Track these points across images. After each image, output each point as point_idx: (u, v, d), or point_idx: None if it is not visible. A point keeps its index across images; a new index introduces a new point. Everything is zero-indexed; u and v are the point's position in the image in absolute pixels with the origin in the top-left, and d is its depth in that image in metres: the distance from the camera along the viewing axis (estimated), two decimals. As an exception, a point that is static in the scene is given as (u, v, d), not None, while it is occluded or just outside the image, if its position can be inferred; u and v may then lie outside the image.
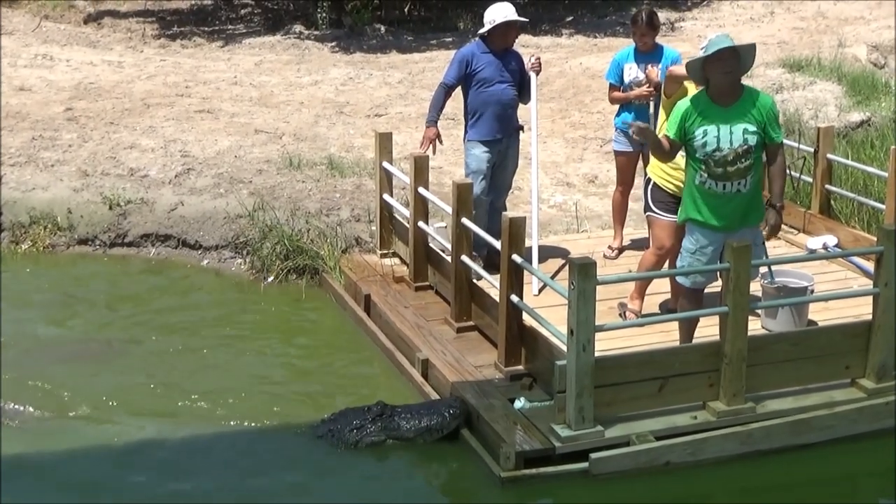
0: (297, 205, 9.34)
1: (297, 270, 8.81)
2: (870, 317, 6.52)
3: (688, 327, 6.70)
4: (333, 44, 15.75)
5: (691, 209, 6.44)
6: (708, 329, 6.76)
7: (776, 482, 6.16)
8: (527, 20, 8.14)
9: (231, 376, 7.31)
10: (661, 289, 7.53)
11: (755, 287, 6.97)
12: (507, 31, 7.96)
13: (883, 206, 8.45)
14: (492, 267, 7.37)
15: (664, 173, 7.10)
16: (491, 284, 7.13)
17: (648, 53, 8.15)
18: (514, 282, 6.73)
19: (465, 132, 8.14)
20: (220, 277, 9.03)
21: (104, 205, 9.62)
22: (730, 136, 6.24)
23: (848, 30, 15.13)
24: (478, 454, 6.22)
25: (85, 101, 12.13)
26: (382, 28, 16.54)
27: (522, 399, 6.47)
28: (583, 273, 5.82)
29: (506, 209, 8.23)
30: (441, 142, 8.23)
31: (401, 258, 8.56)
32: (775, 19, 16.64)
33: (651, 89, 7.99)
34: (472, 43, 8.25)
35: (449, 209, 7.50)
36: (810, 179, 9.13)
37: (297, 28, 16.52)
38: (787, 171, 9.27)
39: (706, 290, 6.79)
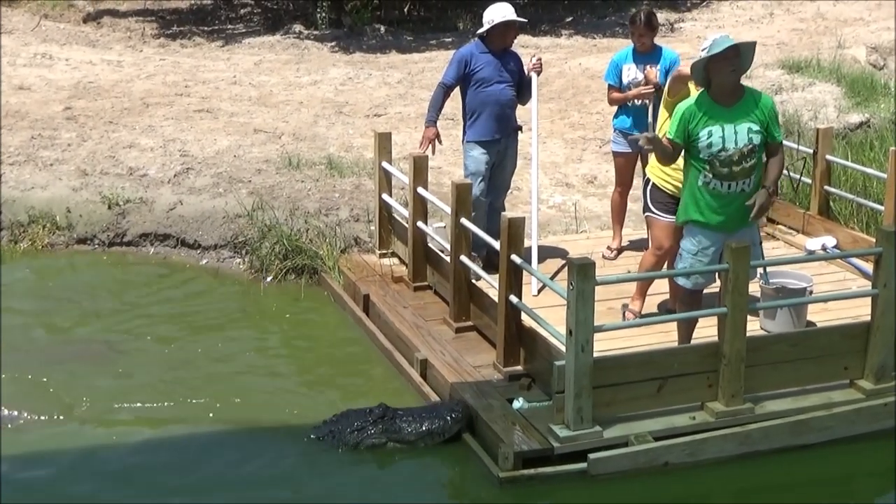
0: (296, 204, 9.34)
1: (295, 270, 8.81)
2: (868, 318, 6.53)
3: (687, 328, 6.71)
4: (333, 44, 15.75)
5: (693, 210, 6.44)
6: (707, 330, 6.77)
7: (775, 483, 6.17)
8: (525, 20, 8.13)
9: (229, 376, 7.31)
10: (660, 289, 7.53)
11: (754, 288, 6.97)
12: (505, 31, 7.95)
13: (882, 208, 8.45)
14: (491, 267, 7.37)
15: (663, 174, 7.10)
16: (490, 285, 7.13)
17: (647, 54, 8.15)
18: (513, 282, 6.73)
19: (464, 133, 8.14)
20: (219, 277, 9.03)
21: (103, 204, 9.62)
22: (734, 135, 6.26)
23: (847, 31, 15.13)
24: (476, 454, 6.22)
25: (84, 101, 12.13)
26: (382, 28, 16.54)
27: (521, 399, 6.47)
28: (582, 273, 5.82)
29: (504, 209, 8.23)
30: (440, 142, 8.23)
31: (400, 258, 8.56)
32: (775, 20, 16.65)
33: (651, 88, 7.98)
34: (471, 43, 8.26)
35: (448, 209, 7.50)
36: (809, 181, 9.13)
37: (297, 28, 16.52)
38: (787, 172, 9.31)
39: (706, 291, 6.79)
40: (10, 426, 6.50)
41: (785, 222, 9.15)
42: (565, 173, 10.42)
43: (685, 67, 7.33)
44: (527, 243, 7.30)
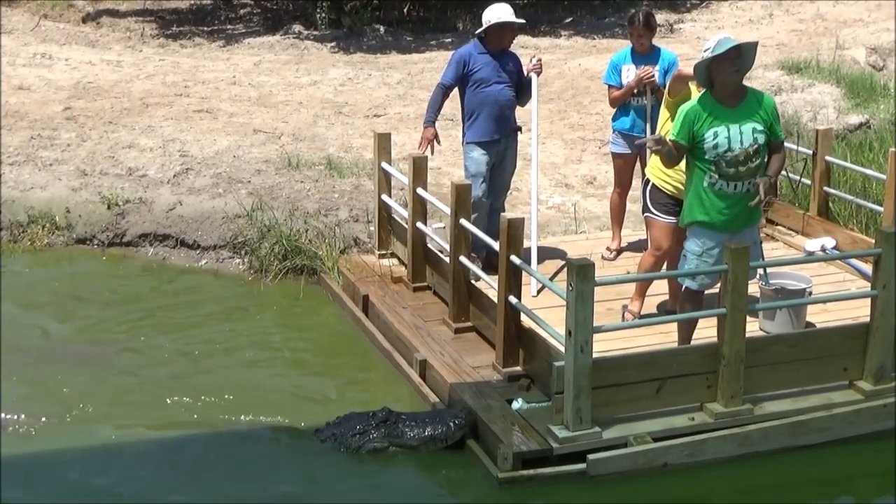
0: (295, 205, 9.34)
1: (295, 271, 8.81)
2: (868, 319, 6.53)
3: (687, 328, 6.71)
4: (332, 44, 15.74)
5: (698, 211, 6.43)
6: (707, 331, 6.77)
7: (774, 483, 6.17)
8: (523, 21, 8.11)
9: (228, 377, 7.30)
10: (659, 290, 7.53)
11: (753, 289, 6.97)
12: (502, 32, 7.95)
13: (881, 209, 8.45)
14: (491, 268, 7.37)
15: (663, 174, 7.10)
16: (489, 285, 7.14)
17: (646, 55, 8.15)
18: (513, 283, 6.73)
19: (463, 134, 8.14)
20: (218, 277, 9.03)
21: (102, 204, 9.62)
22: (740, 135, 6.27)
23: (847, 32, 15.13)
24: (475, 455, 6.22)
25: (84, 101, 12.13)
26: (381, 28, 16.54)
27: (520, 400, 6.47)
28: (581, 274, 5.82)
29: (504, 210, 8.23)
30: (439, 142, 8.23)
31: (399, 259, 8.56)
32: (774, 21, 16.65)
33: (653, 72, 7.95)
34: (470, 44, 8.25)
35: (447, 210, 7.50)
36: (809, 182, 9.13)
37: (297, 28, 16.52)
38: (786, 173, 9.32)
39: (706, 292, 6.80)
40: (10, 429, 6.48)
41: (784, 223, 9.15)
42: (565, 174, 10.42)
43: (685, 67, 7.35)
44: (526, 244, 7.29)
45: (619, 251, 8.56)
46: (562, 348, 6.09)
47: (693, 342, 6.65)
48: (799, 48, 14.38)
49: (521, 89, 8.12)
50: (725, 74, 6.27)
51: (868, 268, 7.28)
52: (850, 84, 12.34)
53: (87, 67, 13.84)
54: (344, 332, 8.03)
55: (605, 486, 5.97)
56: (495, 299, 6.91)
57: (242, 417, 6.70)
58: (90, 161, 10.28)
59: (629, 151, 8.34)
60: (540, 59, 8.13)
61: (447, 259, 7.58)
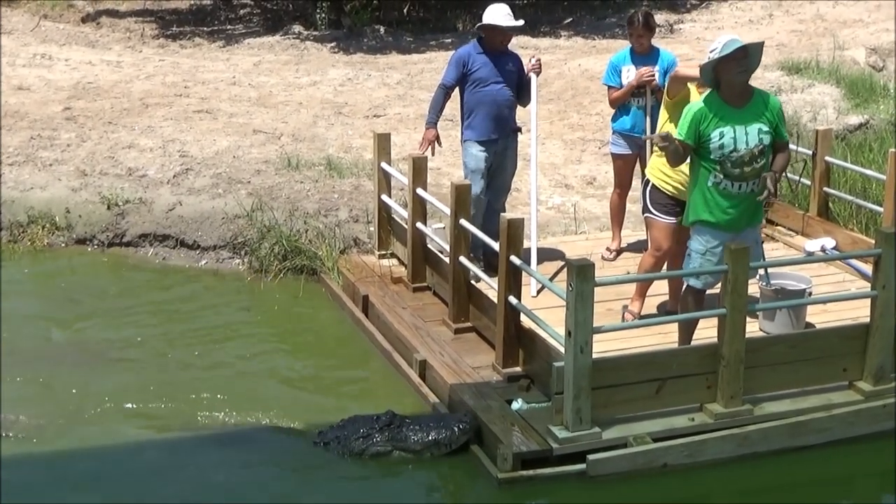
0: (295, 205, 9.34)
1: (295, 271, 8.81)
2: (868, 319, 6.53)
3: (688, 328, 6.72)
4: (332, 44, 15.74)
5: (702, 210, 6.44)
6: (706, 331, 6.77)
7: (773, 484, 6.17)
8: (516, 25, 8.00)
9: (228, 378, 7.31)
10: (659, 290, 7.53)
11: (753, 289, 6.97)
12: (494, 33, 7.96)
13: (881, 209, 8.45)
14: (491, 269, 7.38)
15: (663, 175, 7.10)
16: (489, 286, 7.14)
17: (645, 55, 8.15)
18: (513, 283, 6.73)
19: (462, 133, 8.14)
20: (218, 278, 9.03)
21: (102, 204, 9.62)
22: (745, 136, 6.28)
23: (846, 32, 15.13)
24: (475, 455, 6.22)
25: (83, 101, 12.13)
26: (381, 29, 16.54)
27: (520, 400, 6.47)
28: (581, 275, 5.82)
29: (504, 210, 8.23)
30: (440, 143, 8.23)
31: (399, 259, 8.56)
32: (774, 21, 16.65)
33: (653, 72, 7.96)
34: (470, 43, 8.25)
35: (447, 210, 7.50)
36: (808, 182, 9.13)
37: (297, 28, 16.52)
38: (786, 174, 9.31)
39: (707, 292, 6.80)
40: (10, 434, 6.45)
41: (784, 224, 9.15)
42: (564, 174, 10.42)
43: (682, 68, 7.36)
44: (526, 244, 7.29)
45: (619, 252, 8.56)
46: (561, 349, 6.09)
47: (693, 342, 6.65)
48: (799, 49, 14.38)
49: (522, 90, 8.12)
50: (731, 75, 6.28)
51: (868, 268, 7.28)
52: (850, 84, 12.34)
53: (86, 68, 13.84)
54: (343, 333, 8.03)
55: (605, 486, 5.97)
56: (495, 300, 6.90)
57: (242, 418, 6.69)
58: (90, 161, 10.28)
59: (629, 152, 8.33)
60: (539, 60, 8.13)
61: (447, 259, 7.57)
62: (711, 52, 6.38)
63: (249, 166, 10.13)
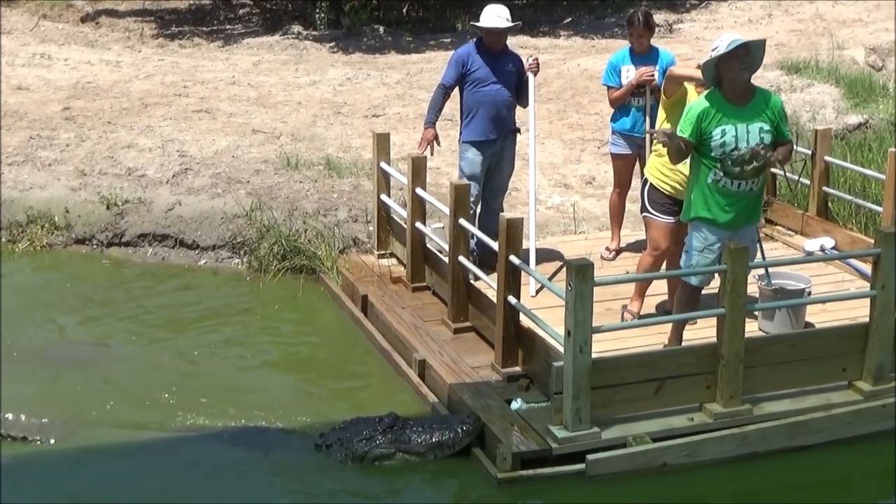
0: (294, 205, 9.34)
1: (294, 270, 8.81)
2: (867, 319, 6.53)
3: (679, 326, 6.76)
4: (332, 44, 15.74)
5: (700, 207, 6.45)
6: (705, 331, 6.77)
7: (772, 484, 6.16)
8: (498, 27, 7.93)
9: (227, 378, 7.31)
10: (659, 290, 7.52)
11: (752, 289, 6.97)
12: (489, 35, 7.97)
13: (880, 209, 8.45)
14: (483, 266, 7.38)
15: (661, 174, 7.11)
16: (488, 285, 7.13)
17: (644, 55, 8.15)
18: (512, 283, 6.72)
19: (461, 133, 8.14)
20: (218, 277, 9.03)
21: (102, 204, 9.62)
22: (747, 134, 6.29)
23: (846, 32, 15.13)
24: (474, 455, 6.21)
25: (83, 101, 12.13)
26: (381, 28, 16.53)
27: (519, 400, 6.47)
28: (580, 274, 5.82)
29: (503, 210, 8.23)
30: (439, 143, 8.24)
31: (398, 259, 8.56)
32: (773, 21, 16.64)
33: (652, 71, 7.95)
34: (469, 43, 8.26)
35: (446, 210, 7.50)
36: (808, 182, 9.12)
37: (296, 28, 16.51)
38: (784, 174, 9.31)
39: (704, 292, 6.81)
40: (10, 434, 6.43)
41: (783, 223, 9.15)
42: (564, 174, 10.42)
43: (677, 68, 7.38)
44: (525, 244, 7.29)
45: (618, 251, 8.56)
46: (561, 348, 6.09)
47: (692, 343, 6.66)
48: (798, 48, 14.37)
49: (522, 90, 8.11)
50: (733, 73, 6.28)
51: (867, 268, 7.27)
52: (850, 84, 12.34)
53: (86, 67, 13.83)
54: (343, 332, 8.02)
55: (604, 486, 5.97)
56: (494, 299, 6.90)
57: (241, 419, 6.68)
58: (89, 161, 10.27)
59: (629, 152, 8.33)
60: (536, 59, 8.13)
61: (446, 259, 7.57)
62: (714, 49, 6.38)
63: (248, 166, 10.13)
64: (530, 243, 7.83)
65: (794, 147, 9.35)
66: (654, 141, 7.29)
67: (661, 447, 6.08)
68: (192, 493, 6.02)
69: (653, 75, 7.99)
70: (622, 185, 8.55)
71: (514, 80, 8.06)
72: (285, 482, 6.11)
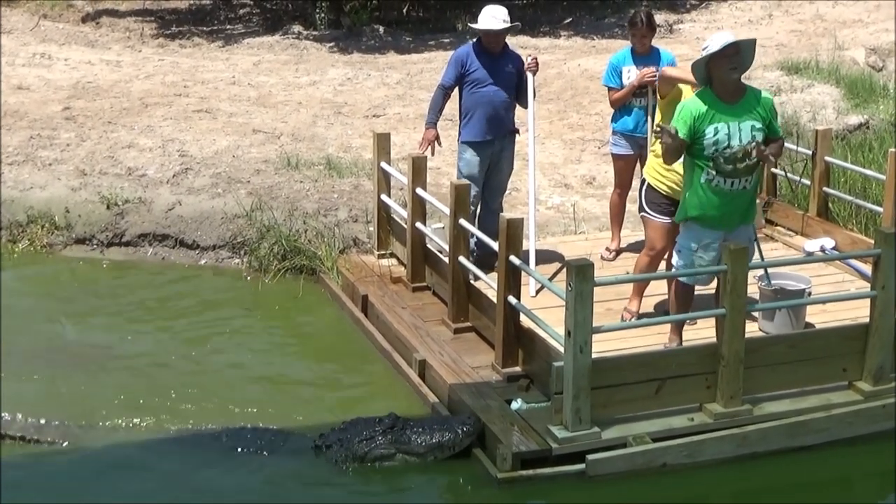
0: (294, 205, 9.34)
1: (294, 270, 8.81)
2: (867, 319, 6.53)
3: (678, 326, 6.78)
4: (332, 44, 15.74)
5: (694, 207, 6.47)
6: (705, 331, 6.78)
7: (772, 484, 6.16)
8: (493, 29, 7.92)
9: (226, 378, 7.30)
10: (659, 290, 7.52)
11: (752, 289, 6.97)
12: (487, 36, 7.97)
13: (881, 209, 8.45)
14: (484, 266, 7.38)
15: (658, 174, 7.13)
16: (488, 285, 7.13)
17: (646, 55, 8.14)
18: (512, 283, 6.72)
19: (459, 133, 8.15)
20: (218, 277, 9.03)
21: (102, 204, 9.61)
22: (738, 132, 6.31)
23: (846, 32, 15.13)
24: (474, 455, 6.21)
25: (83, 101, 12.13)
26: (381, 29, 16.53)
27: (519, 400, 6.47)
28: (580, 275, 5.82)
29: (502, 210, 8.23)
30: (440, 143, 8.24)
31: (398, 259, 8.56)
32: (773, 21, 16.65)
33: (654, 72, 7.96)
34: (468, 44, 8.26)
35: (446, 210, 7.50)
36: (808, 182, 9.12)
37: (296, 28, 16.51)
38: (785, 174, 9.32)
39: (703, 292, 6.81)
40: (9, 434, 6.42)
41: (784, 224, 9.15)
42: (564, 174, 10.42)
43: (670, 68, 7.41)
44: (525, 244, 7.29)
45: (619, 252, 8.55)
46: (561, 348, 6.09)
47: (693, 343, 6.66)
48: (798, 49, 14.37)
49: (521, 91, 8.11)
50: (723, 71, 6.30)
51: (867, 268, 7.27)
52: (850, 84, 12.33)
53: (86, 67, 13.83)
54: (343, 332, 8.02)
55: (604, 486, 5.97)
56: (494, 299, 6.90)
57: (240, 419, 6.66)
58: (89, 161, 10.27)
59: (630, 152, 8.33)
60: (535, 58, 8.12)
61: (446, 259, 7.57)
62: (704, 49, 6.41)
63: (249, 166, 10.13)
64: (530, 243, 7.83)
65: (796, 147, 9.44)
66: (654, 140, 7.29)
67: (661, 447, 6.08)
68: (191, 493, 6.02)
69: (655, 76, 7.99)
70: (623, 185, 8.54)
71: (514, 80, 8.05)
72: (285, 483, 6.10)
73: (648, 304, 7.52)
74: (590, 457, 5.98)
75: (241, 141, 10.77)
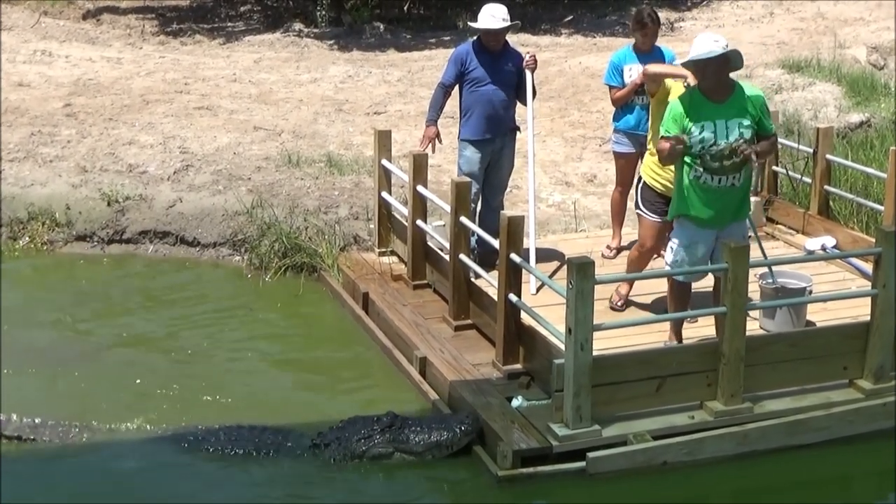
0: (295, 202, 9.34)
1: (295, 268, 8.81)
2: (868, 318, 6.52)
3: (677, 324, 6.79)
4: (333, 42, 15.74)
5: (683, 204, 6.53)
6: (705, 329, 6.78)
7: (772, 482, 6.17)
8: (504, 27, 7.92)
9: (226, 376, 7.30)
10: (659, 288, 7.52)
11: (753, 287, 6.98)
12: (486, 34, 7.96)
13: (882, 208, 8.45)
14: (485, 264, 7.38)
15: (653, 172, 7.19)
16: (489, 283, 7.13)
17: (649, 53, 8.14)
18: (513, 280, 6.72)
19: (459, 131, 8.15)
20: (219, 275, 9.02)
21: (103, 201, 9.61)
22: (726, 130, 6.35)
23: (847, 31, 15.12)
24: (475, 452, 6.21)
25: (84, 98, 12.12)
26: (381, 26, 16.53)
27: (520, 398, 6.47)
28: (581, 272, 5.82)
29: (503, 208, 8.23)
30: (440, 141, 8.23)
31: (399, 256, 8.55)
32: (775, 20, 16.63)
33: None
34: (468, 42, 8.26)
35: (447, 207, 7.50)
36: (809, 180, 9.12)
37: (297, 26, 16.51)
38: (786, 171, 9.31)
39: (700, 290, 6.81)
40: (9, 433, 6.41)
41: (784, 222, 9.14)
42: (565, 172, 10.41)
43: (651, 66, 7.47)
44: (525, 242, 7.29)
45: (620, 250, 8.55)
46: (562, 346, 6.09)
47: (693, 341, 6.66)
48: (800, 47, 14.36)
49: (522, 89, 8.10)
50: (705, 80, 6.42)
51: (868, 267, 7.27)
52: (851, 83, 12.32)
53: (87, 64, 13.82)
54: (344, 330, 8.02)
55: (605, 484, 5.97)
56: (495, 297, 6.90)
57: (239, 417, 6.64)
58: (90, 158, 10.27)
59: (632, 150, 8.32)
60: (534, 56, 8.11)
61: (447, 257, 7.57)
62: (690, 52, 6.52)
63: (250, 163, 10.13)
64: (530, 241, 7.82)
65: (797, 145, 9.44)
66: (650, 135, 7.32)
67: (662, 445, 6.08)
68: (189, 492, 6.01)
69: None
70: (624, 183, 8.54)
71: (514, 79, 8.05)
72: (283, 481, 6.10)
73: (647, 301, 7.52)
74: (590, 454, 5.98)
75: (242, 138, 10.77)
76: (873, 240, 7.15)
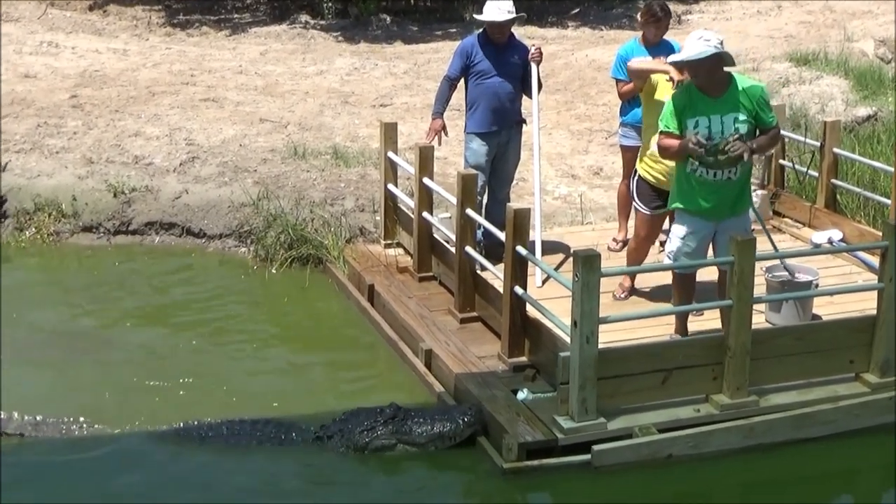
0: (301, 194, 9.34)
1: (300, 260, 8.81)
2: (874, 312, 6.51)
3: (683, 316, 6.80)
4: (339, 34, 15.72)
5: (680, 197, 6.60)
6: (712, 322, 6.77)
7: (778, 476, 6.16)
8: (509, 19, 7.90)
9: (232, 368, 7.31)
10: (664, 280, 7.50)
11: (759, 280, 6.97)
12: (491, 27, 7.95)
13: (889, 202, 8.43)
14: (491, 257, 7.37)
15: (647, 165, 7.26)
16: (495, 275, 7.13)
17: (657, 46, 8.10)
18: (519, 273, 6.72)
19: (465, 124, 8.14)
20: (224, 266, 9.03)
21: (109, 192, 9.62)
22: (721, 125, 6.38)
23: (855, 24, 15.07)
24: (480, 445, 6.22)
25: (90, 89, 12.12)
26: (388, 18, 16.51)
27: (525, 390, 6.47)
28: (587, 265, 5.81)
29: (509, 200, 8.22)
30: (446, 133, 8.23)
31: (405, 248, 8.55)
32: (782, 13, 16.59)
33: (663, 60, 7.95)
34: (474, 35, 8.25)
35: (453, 200, 7.50)
36: (816, 174, 9.10)
37: (303, 18, 16.49)
38: (793, 165, 9.29)
39: (705, 281, 6.81)
40: (9, 433, 6.38)
41: (791, 215, 9.12)
42: (571, 165, 10.40)
43: (634, 62, 7.54)
44: (531, 235, 7.28)
45: (626, 242, 8.52)
46: (567, 339, 6.08)
47: (698, 334, 6.65)
48: (807, 40, 14.32)
49: (528, 81, 8.09)
50: (692, 78, 6.48)
51: (875, 260, 7.26)
52: (859, 76, 12.29)
53: (93, 56, 13.82)
54: (349, 322, 8.03)
55: (610, 476, 5.97)
56: (501, 289, 6.90)
57: (243, 409, 6.63)
58: (96, 149, 10.28)
59: (639, 144, 8.27)
60: (539, 48, 8.10)
61: (453, 249, 7.57)
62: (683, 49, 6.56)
63: (256, 155, 10.13)
64: (536, 234, 7.82)
65: (804, 138, 9.41)
66: (646, 127, 7.36)
67: (667, 438, 6.08)
68: (192, 487, 6.00)
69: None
70: (631, 176, 8.51)
71: (519, 71, 8.04)
72: (287, 473, 6.10)
73: (653, 294, 7.51)
74: (595, 447, 5.98)
75: (248, 130, 10.77)
76: (880, 233, 7.13)
